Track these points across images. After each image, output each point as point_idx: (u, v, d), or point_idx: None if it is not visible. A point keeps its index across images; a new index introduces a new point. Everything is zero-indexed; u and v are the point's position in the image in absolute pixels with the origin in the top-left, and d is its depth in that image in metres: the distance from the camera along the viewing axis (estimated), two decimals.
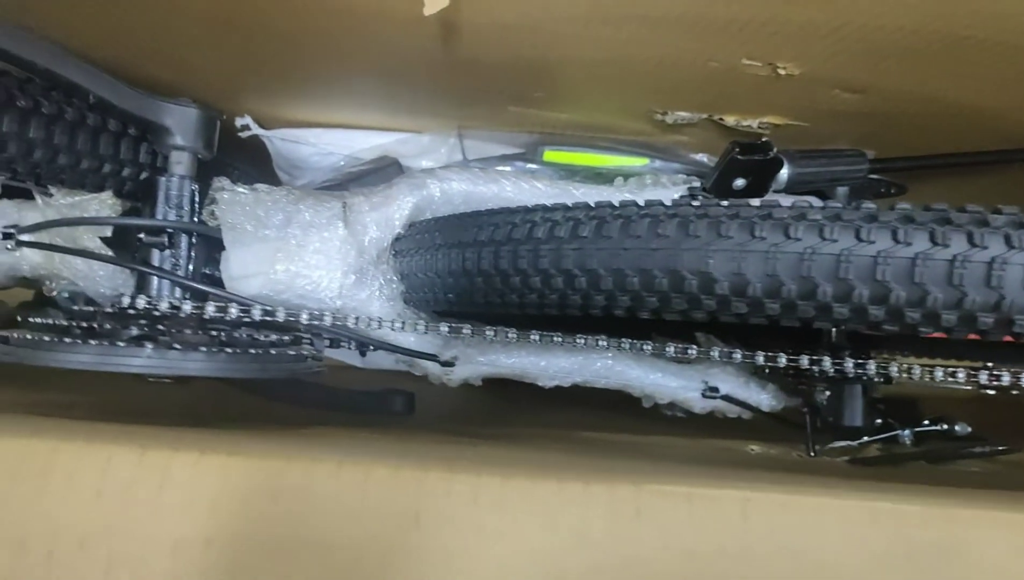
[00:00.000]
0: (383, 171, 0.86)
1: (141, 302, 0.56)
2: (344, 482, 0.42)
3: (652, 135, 0.88)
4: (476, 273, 0.55)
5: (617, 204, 0.53)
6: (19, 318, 0.63)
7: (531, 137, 0.90)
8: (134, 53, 0.65)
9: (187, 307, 0.55)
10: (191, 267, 0.58)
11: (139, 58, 0.66)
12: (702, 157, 0.90)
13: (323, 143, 0.93)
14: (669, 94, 0.76)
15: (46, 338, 0.52)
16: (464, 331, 0.59)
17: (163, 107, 0.57)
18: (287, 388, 0.67)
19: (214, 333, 0.55)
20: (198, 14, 0.62)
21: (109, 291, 0.60)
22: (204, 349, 0.51)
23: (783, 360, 0.61)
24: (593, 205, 0.54)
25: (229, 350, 0.52)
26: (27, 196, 0.67)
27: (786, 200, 0.63)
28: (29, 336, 0.53)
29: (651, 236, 0.49)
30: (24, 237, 0.62)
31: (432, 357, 0.63)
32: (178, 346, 0.51)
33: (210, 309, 0.56)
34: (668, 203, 0.53)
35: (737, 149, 0.63)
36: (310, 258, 0.60)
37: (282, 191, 0.62)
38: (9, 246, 0.62)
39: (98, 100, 0.54)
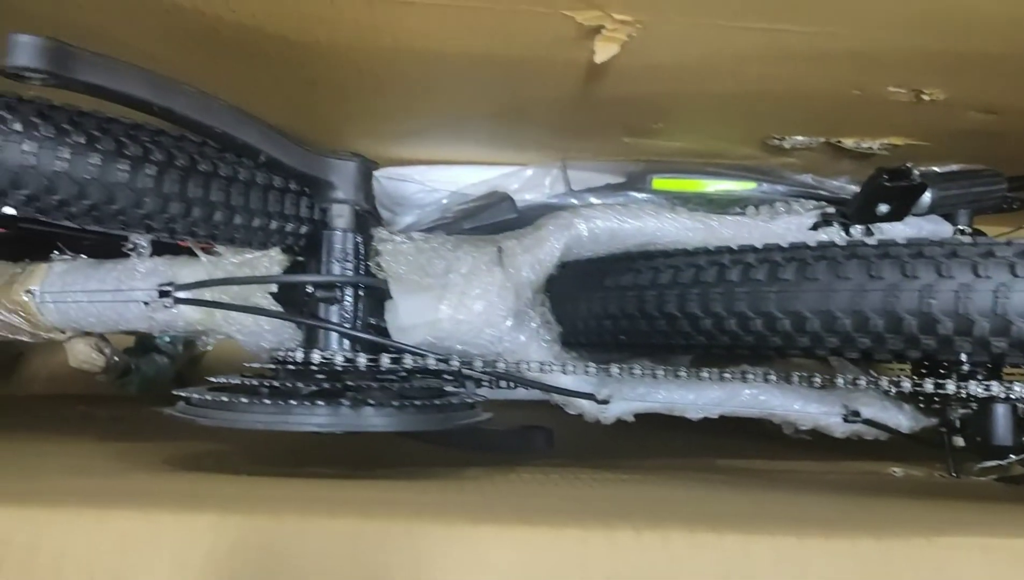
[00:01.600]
0: (496, 207, 0.87)
1: (316, 357, 0.56)
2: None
3: (759, 158, 0.88)
4: (656, 315, 0.56)
5: (814, 245, 0.53)
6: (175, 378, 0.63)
7: (637, 166, 0.91)
8: (286, 109, 0.66)
9: (362, 360, 0.56)
10: (359, 320, 0.59)
11: (287, 113, 0.67)
12: (807, 177, 0.90)
13: (428, 180, 0.94)
14: (792, 121, 0.77)
15: (229, 399, 0.53)
16: (632, 370, 0.60)
17: (327, 162, 0.58)
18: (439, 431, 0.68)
19: (390, 385, 0.56)
20: (352, 66, 0.63)
21: (274, 346, 0.61)
22: (397, 404, 0.52)
23: (930, 385, 0.61)
24: (787, 247, 0.55)
25: (418, 403, 0.53)
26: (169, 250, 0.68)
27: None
28: (210, 397, 0.54)
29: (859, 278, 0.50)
30: (181, 294, 0.63)
31: (589, 396, 0.64)
32: (371, 402, 0.52)
33: (386, 361, 0.56)
34: (839, 241, 0.54)
35: (885, 176, 0.64)
36: (472, 304, 0.60)
37: (439, 238, 0.63)
38: (167, 304, 0.63)
39: (268, 159, 0.55)
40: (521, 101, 0.75)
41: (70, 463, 0.66)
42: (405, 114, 0.78)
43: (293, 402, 0.51)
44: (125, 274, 0.67)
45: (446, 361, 0.56)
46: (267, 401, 0.52)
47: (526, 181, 0.93)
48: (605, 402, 0.64)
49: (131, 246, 0.67)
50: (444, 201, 0.91)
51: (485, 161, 0.93)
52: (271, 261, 0.60)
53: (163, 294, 0.64)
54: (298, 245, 0.61)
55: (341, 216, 0.60)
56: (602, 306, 0.59)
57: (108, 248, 0.76)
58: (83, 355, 0.87)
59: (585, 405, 0.65)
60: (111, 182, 0.51)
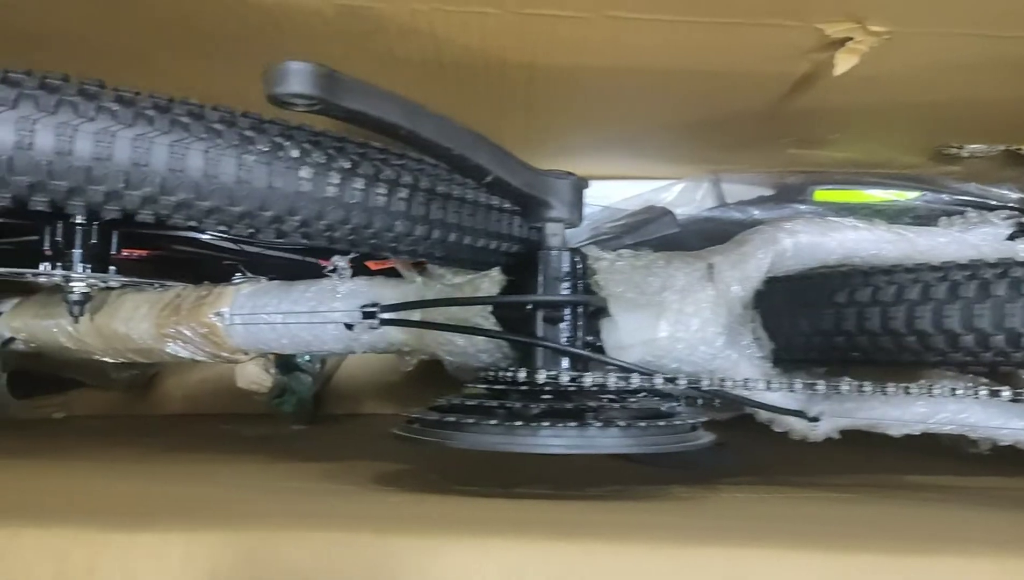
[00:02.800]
0: (657, 221, 0.86)
1: (542, 377, 0.56)
2: None
3: (923, 167, 0.87)
4: (883, 332, 0.55)
5: None
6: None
7: (794, 177, 0.90)
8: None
9: (589, 379, 0.55)
10: (579, 339, 0.58)
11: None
12: (971, 186, 0.88)
13: None
14: (975, 129, 0.76)
15: (471, 420, 0.53)
16: (839, 386, 0.59)
17: (547, 181, 0.58)
18: None
19: (622, 406, 0.55)
20: (566, 84, 0.63)
21: (485, 365, 0.61)
22: (643, 425, 0.51)
23: None
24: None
25: (656, 425, 0.52)
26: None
27: None
28: (452, 418, 0.54)
29: None
30: (386, 315, 0.63)
31: (799, 413, 0.62)
32: (620, 423, 0.51)
33: (612, 380, 0.55)
34: None
35: None
36: (688, 322, 0.59)
37: (650, 255, 0.62)
38: (373, 325, 0.63)
39: (495, 180, 0.55)
40: (710, 115, 0.75)
41: (274, 485, 0.66)
42: (577, 131, 0.78)
43: (545, 423, 0.50)
44: (323, 295, 0.67)
45: (673, 380, 0.56)
46: (517, 422, 0.52)
47: (678, 195, 0.93)
48: (816, 420, 0.63)
49: (331, 268, 0.67)
50: (598, 216, 0.91)
51: (635, 176, 0.93)
52: (491, 281, 0.60)
53: (367, 315, 0.64)
54: (512, 264, 0.61)
55: (555, 235, 0.59)
56: (833, 322, 0.58)
57: (291, 269, 0.77)
58: (254, 376, 0.89)
59: (793, 422, 0.64)
60: (372, 206, 0.51)
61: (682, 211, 0.91)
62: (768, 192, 0.93)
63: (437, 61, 0.60)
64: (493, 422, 0.53)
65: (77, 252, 0.74)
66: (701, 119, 0.77)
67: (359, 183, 0.50)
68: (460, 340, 0.61)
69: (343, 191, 0.49)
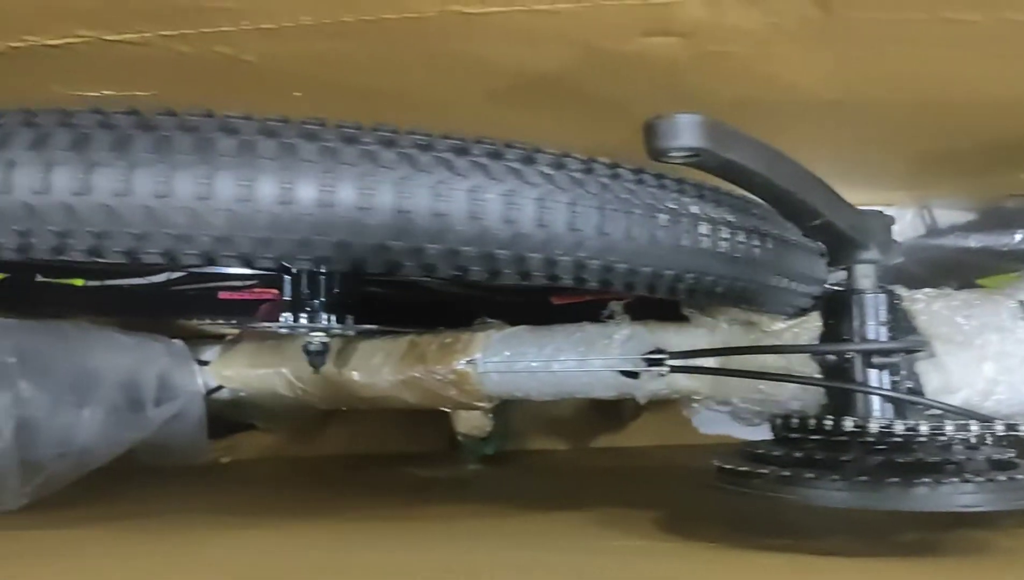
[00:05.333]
0: None
1: (874, 426, 0.54)
2: None
3: None
4: None
5: None
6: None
7: (1015, 201, 0.87)
8: None
9: (925, 428, 0.53)
10: (902, 385, 0.56)
11: None
12: None
13: None
14: None
15: (811, 475, 0.51)
16: None
17: (864, 220, 0.56)
18: None
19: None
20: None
21: (792, 412, 0.59)
22: (1004, 478, 0.49)
23: None
24: None
25: (1020, 476, 0.50)
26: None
27: None
28: (786, 473, 0.52)
29: None
30: (675, 362, 0.61)
31: None
32: (987, 478, 0.49)
33: (949, 429, 0.53)
34: None
35: None
36: (1008, 362, 0.57)
37: (960, 294, 0.60)
38: (662, 372, 0.62)
39: (823, 223, 0.53)
40: (937, 145, 0.73)
41: (558, 542, 0.64)
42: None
43: (896, 478, 0.48)
44: (595, 341, 0.66)
45: (1015, 427, 0.53)
46: (863, 477, 0.50)
47: None
48: None
49: (608, 313, 0.66)
50: None
51: None
52: (800, 328, 0.58)
53: (653, 362, 0.62)
54: (805, 307, 0.59)
55: (867, 276, 0.57)
56: None
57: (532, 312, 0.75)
58: (476, 421, 0.87)
59: None
60: (739, 258, 0.49)
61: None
62: (973, 216, 0.91)
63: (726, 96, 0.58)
64: (835, 477, 0.51)
65: (320, 301, 0.73)
66: (926, 149, 0.75)
67: (741, 235, 0.48)
68: (766, 387, 0.59)
69: (715, 243, 0.47)
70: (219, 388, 0.86)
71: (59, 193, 0.39)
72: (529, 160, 0.43)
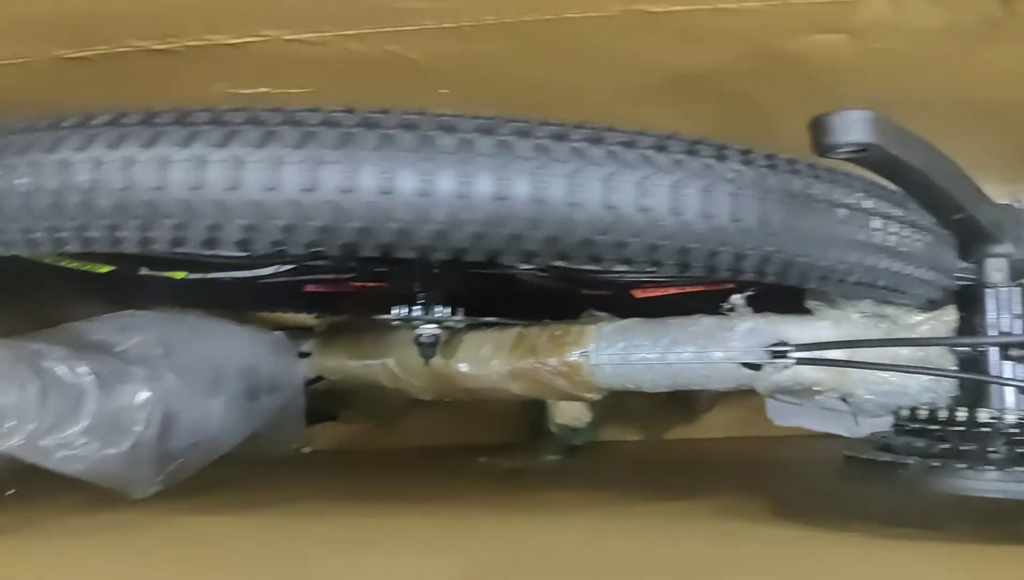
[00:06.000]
0: None
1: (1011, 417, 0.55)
2: None
3: None
4: None
5: None
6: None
7: None
8: None
9: None
10: None
11: None
12: None
13: None
14: None
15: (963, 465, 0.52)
16: None
17: (1002, 214, 0.57)
18: None
19: None
20: None
21: (921, 404, 0.59)
22: None
23: None
24: None
25: None
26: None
27: None
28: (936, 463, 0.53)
29: None
30: (801, 354, 0.62)
31: None
32: None
33: None
34: None
35: None
36: None
37: None
38: (787, 364, 0.62)
39: (965, 217, 0.54)
40: None
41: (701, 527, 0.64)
42: None
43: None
44: (715, 333, 0.66)
45: None
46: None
47: None
48: None
49: (728, 306, 0.66)
50: None
51: None
52: (942, 321, 0.59)
53: (777, 354, 0.63)
54: (948, 301, 0.60)
55: (1000, 270, 0.58)
56: None
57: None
58: (577, 412, 0.88)
59: None
60: (903, 252, 0.50)
61: None
62: None
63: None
64: (989, 467, 0.52)
65: (433, 294, 0.74)
66: None
67: (877, 222, 0.49)
68: (897, 379, 0.60)
69: (871, 234, 0.48)
70: (318, 379, 0.87)
71: (288, 191, 0.40)
72: (722, 157, 0.44)
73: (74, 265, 0.79)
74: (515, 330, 0.77)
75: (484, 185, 0.43)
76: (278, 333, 0.84)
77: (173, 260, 0.84)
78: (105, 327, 0.58)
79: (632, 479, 0.92)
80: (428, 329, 0.74)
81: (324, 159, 0.41)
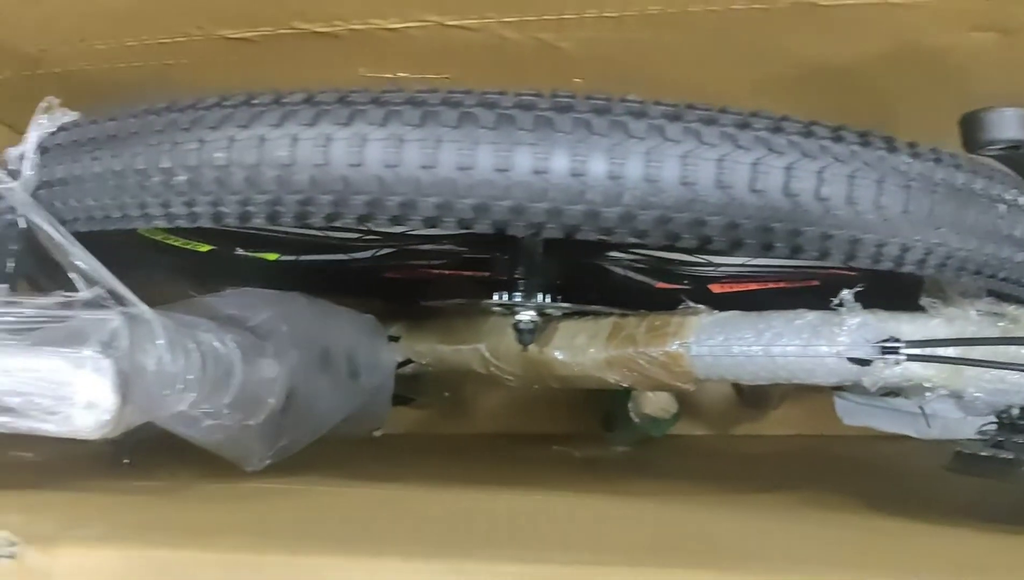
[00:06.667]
0: None
1: None
2: None
3: None
4: None
5: None
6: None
7: None
8: None
9: None
10: None
11: None
12: None
13: None
14: None
15: None
16: None
17: None
18: None
19: None
20: None
21: None
22: None
23: None
24: None
25: None
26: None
27: None
28: None
29: None
30: (913, 351, 0.62)
31: None
32: None
33: None
34: None
35: None
36: None
37: None
38: (899, 360, 0.63)
39: None
40: None
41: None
42: None
43: None
44: (821, 328, 0.67)
45: None
46: None
47: None
48: None
49: (837, 302, 0.67)
50: None
51: None
52: None
53: (888, 350, 0.64)
54: None
55: None
56: None
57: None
58: (664, 402, 0.89)
59: None
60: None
61: None
62: None
63: None
64: None
65: (535, 281, 0.75)
66: None
67: None
68: (1015, 378, 0.60)
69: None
70: (406, 362, 0.89)
71: (446, 168, 0.42)
72: (894, 148, 0.45)
73: (178, 242, 0.81)
74: (610, 319, 0.78)
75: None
76: (370, 316, 0.86)
77: (269, 241, 0.86)
78: (233, 302, 0.60)
79: (711, 470, 0.93)
80: (528, 315, 0.75)
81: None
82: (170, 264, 0.87)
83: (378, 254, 0.83)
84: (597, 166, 0.42)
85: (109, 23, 0.48)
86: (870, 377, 0.66)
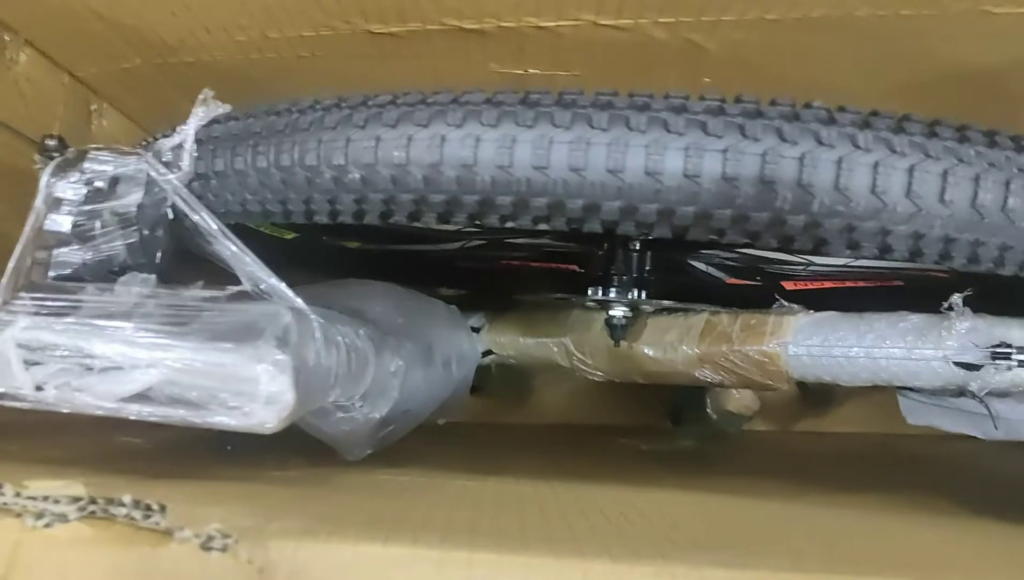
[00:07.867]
0: None
1: None
2: None
3: None
4: None
5: None
6: None
7: None
8: None
9: None
10: None
11: None
12: None
13: None
14: None
15: None
16: None
17: None
18: None
19: None
20: None
21: None
22: None
23: None
24: None
25: None
26: None
27: None
28: None
29: None
30: None
31: None
32: None
33: None
34: None
35: None
36: None
37: None
38: (1011, 365, 0.63)
39: None
40: None
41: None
42: None
43: None
44: (927, 331, 0.67)
45: None
46: None
47: None
48: None
49: (947, 306, 0.67)
50: None
51: None
52: None
53: (999, 356, 0.64)
54: None
55: None
56: None
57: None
58: (748, 400, 0.89)
59: None
60: None
61: None
62: None
63: None
64: None
65: (630, 277, 0.75)
66: None
67: None
68: None
69: None
70: (487, 353, 0.89)
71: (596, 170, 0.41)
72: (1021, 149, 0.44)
73: (267, 229, 0.81)
74: (702, 316, 0.78)
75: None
76: (454, 307, 0.86)
77: (355, 230, 0.86)
78: (349, 293, 0.60)
79: (786, 467, 0.93)
80: (621, 311, 0.75)
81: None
82: (255, 250, 0.88)
83: (467, 246, 0.83)
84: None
85: (257, 15, 0.48)
86: (977, 381, 0.66)
